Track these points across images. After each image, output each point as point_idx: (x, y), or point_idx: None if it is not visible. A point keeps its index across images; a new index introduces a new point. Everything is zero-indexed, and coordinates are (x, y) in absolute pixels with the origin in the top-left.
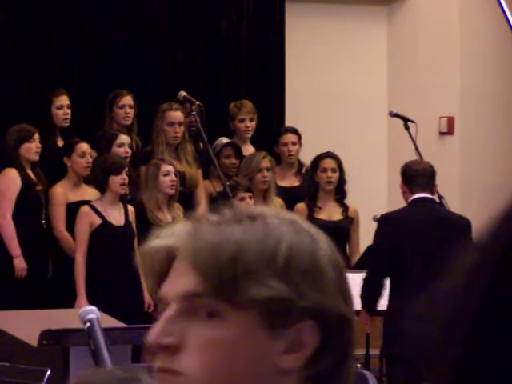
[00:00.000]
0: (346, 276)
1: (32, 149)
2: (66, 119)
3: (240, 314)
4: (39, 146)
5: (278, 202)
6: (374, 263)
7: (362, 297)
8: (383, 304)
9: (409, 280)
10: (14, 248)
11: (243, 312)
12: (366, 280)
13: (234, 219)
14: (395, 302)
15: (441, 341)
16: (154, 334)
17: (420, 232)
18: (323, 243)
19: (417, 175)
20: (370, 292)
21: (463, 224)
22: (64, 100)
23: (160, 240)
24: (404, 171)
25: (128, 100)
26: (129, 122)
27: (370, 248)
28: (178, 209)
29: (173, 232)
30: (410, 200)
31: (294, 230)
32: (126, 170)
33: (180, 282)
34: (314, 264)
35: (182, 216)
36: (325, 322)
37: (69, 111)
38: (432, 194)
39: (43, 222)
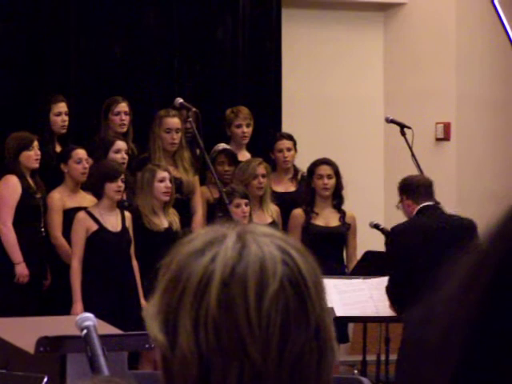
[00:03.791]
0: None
1: (31, 156)
2: (64, 126)
3: None
4: (38, 153)
5: (273, 208)
6: (392, 279)
7: (391, 303)
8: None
9: (423, 286)
10: (16, 255)
11: None
12: (387, 289)
13: None
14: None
15: (439, 345)
16: None
17: (431, 240)
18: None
19: (419, 186)
20: (395, 300)
21: (470, 226)
22: (62, 107)
23: None
24: (404, 185)
25: (123, 107)
26: (124, 129)
27: (367, 254)
28: (173, 214)
29: None
30: (417, 209)
31: None
32: (122, 177)
33: None
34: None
35: (177, 221)
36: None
37: (67, 118)
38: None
39: (42, 229)
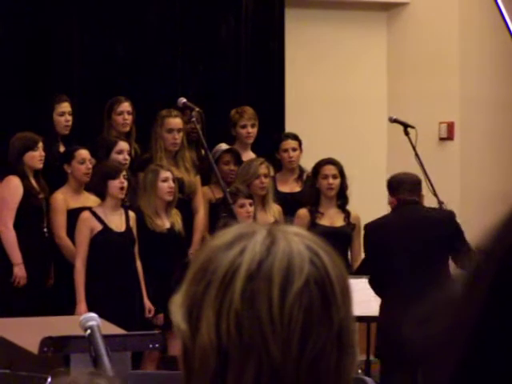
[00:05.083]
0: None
1: (36, 157)
2: (68, 126)
3: None
4: (43, 154)
5: (276, 208)
6: (369, 270)
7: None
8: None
9: (397, 283)
10: (16, 256)
11: None
12: (369, 282)
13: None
14: (388, 307)
15: (442, 346)
16: None
17: (404, 235)
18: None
19: (403, 182)
20: (375, 291)
21: (445, 218)
22: (66, 107)
23: None
24: (390, 183)
25: (126, 106)
26: (127, 129)
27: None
28: (176, 215)
29: None
30: (394, 205)
31: None
32: (124, 173)
33: None
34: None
35: (180, 222)
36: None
37: (70, 118)
38: (419, 199)
39: (45, 230)
